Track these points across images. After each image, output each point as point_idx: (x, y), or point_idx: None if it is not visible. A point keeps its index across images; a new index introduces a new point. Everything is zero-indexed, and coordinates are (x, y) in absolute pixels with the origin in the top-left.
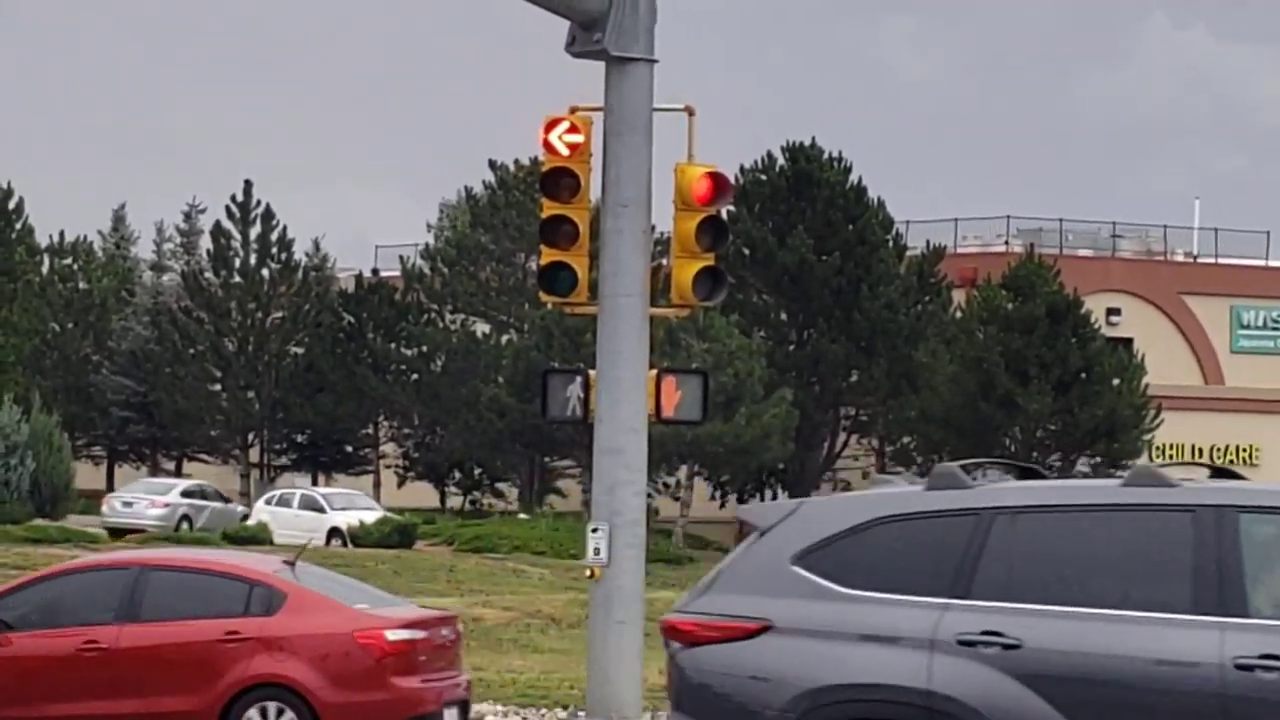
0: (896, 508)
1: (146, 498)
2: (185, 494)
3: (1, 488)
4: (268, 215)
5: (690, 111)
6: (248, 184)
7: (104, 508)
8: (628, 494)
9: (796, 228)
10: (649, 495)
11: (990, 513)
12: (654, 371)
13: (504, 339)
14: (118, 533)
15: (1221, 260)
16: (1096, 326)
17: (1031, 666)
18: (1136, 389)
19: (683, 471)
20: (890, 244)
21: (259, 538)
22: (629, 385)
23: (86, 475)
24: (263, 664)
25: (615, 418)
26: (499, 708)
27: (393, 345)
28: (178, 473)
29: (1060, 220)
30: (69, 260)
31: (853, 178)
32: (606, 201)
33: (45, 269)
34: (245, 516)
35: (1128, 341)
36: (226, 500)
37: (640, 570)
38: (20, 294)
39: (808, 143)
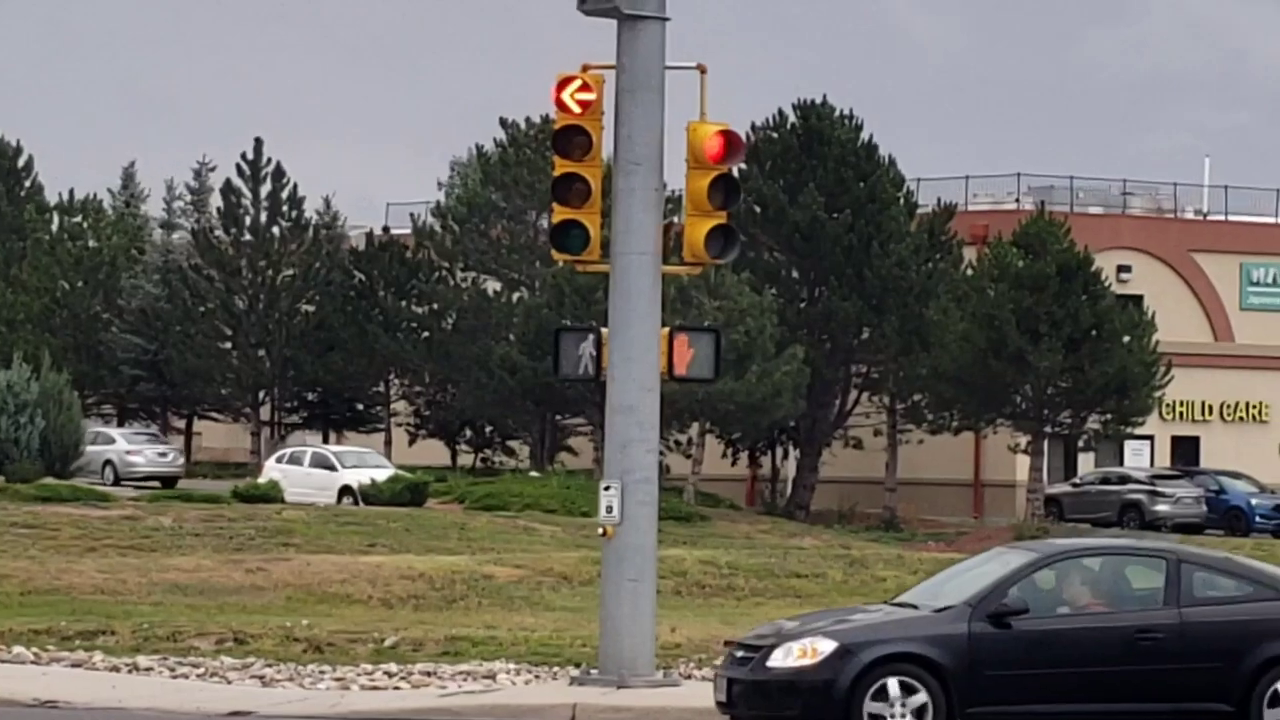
0: None
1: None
2: None
3: (11, 446)
4: (278, 173)
5: (702, 70)
6: (258, 141)
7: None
8: (640, 452)
9: (807, 185)
10: (660, 453)
11: None
12: (666, 329)
13: (515, 297)
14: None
15: (1231, 217)
16: (1107, 284)
17: None
18: (1147, 346)
19: (694, 429)
20: (901, 201)
21: (270, 496)
22: (641, 343)
23: None
24: None
25: (628, 376)
26: (511, 665)
27: (404, 303)
28: (188, 431)
29: (1071, 178)
30: (79, 218)
31: (864, 135)
32: (619, 160)
33: (55, 227)
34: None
35: (1138, 299)
36: None
37: (653, 528)
38: (30, 252)
39: (819, 100)
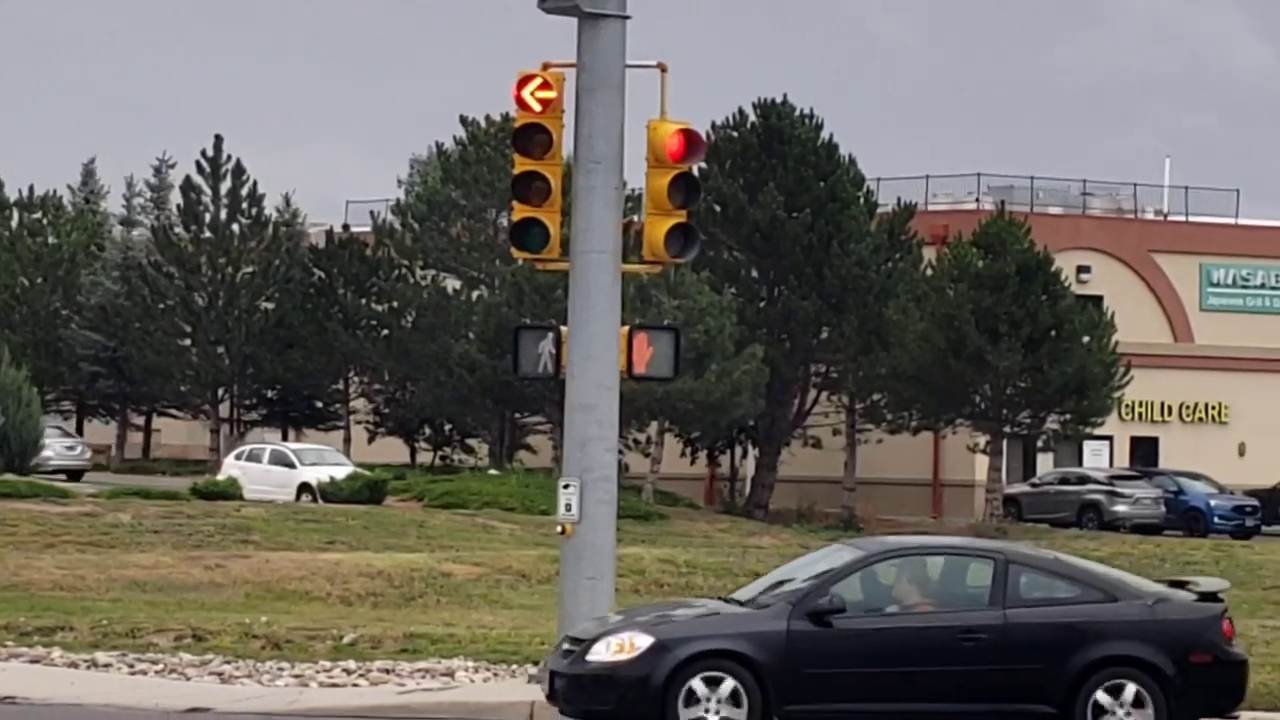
0: None
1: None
2: None
3: None
4: (238, 170)
5: (663, 68)
6: (218, 139)
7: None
8: (599, 450)
9: (767, 185)
10: (619, 451)
11: None
12: (626, 328)
13: (475, 295)
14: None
15: (1191, 218)
16: (1066, 284)
17: None
18: (1106, 346)
19: (653, 428)
20: (861, 201)
21: (229, 493)
22: (601, 342)
23: None
24: None
25: (587, 374)
26: (469, 663)
27: (363, 301)
28: (147, 428)
29: (1031, 178)
30: (38, 215)
31: (824, 135)
32: (579, 158)
33: (14, 223)
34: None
35: (1098, 299)
36: None
37: (611, 526)
38: None
39: (779, 100)
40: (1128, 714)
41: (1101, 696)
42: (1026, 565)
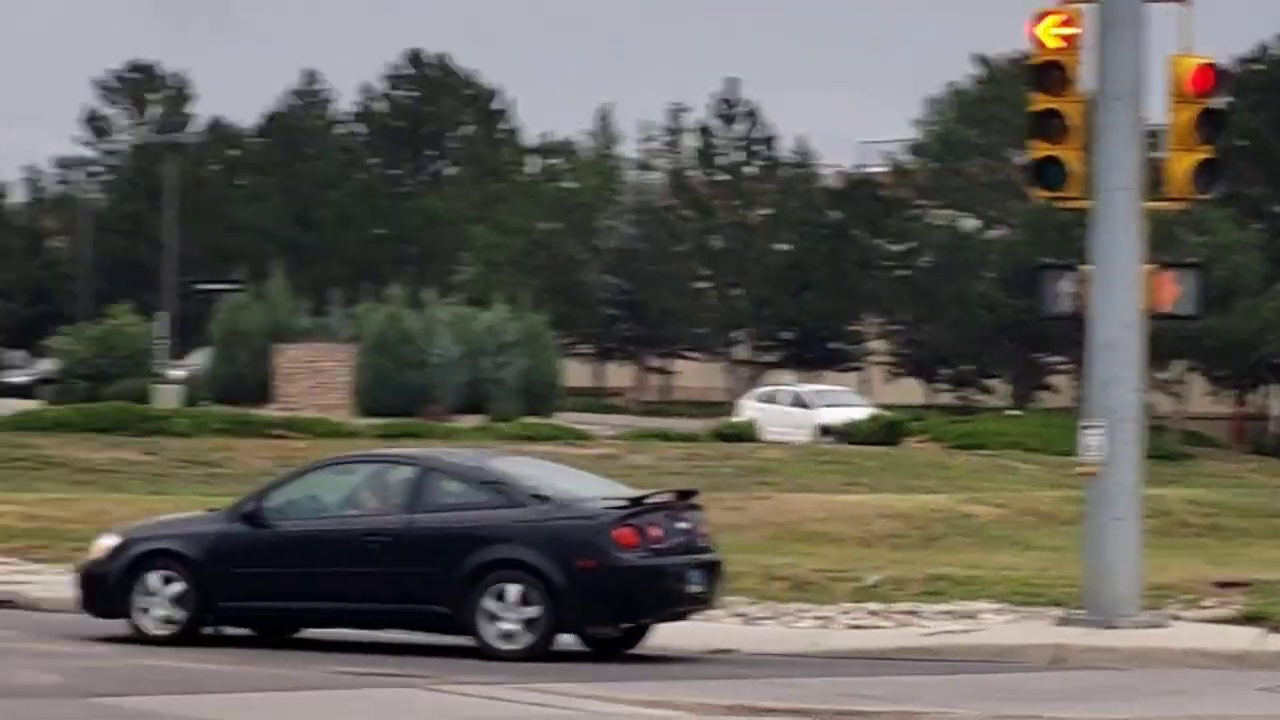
0: None
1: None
2: None
3: (492, 385)
4: (751, 113)
5: (1185, 2)
6: (731, 82)
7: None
8: (1123, 390)
9: None
10: (1144, 391)
11: None
12: (1148, 266)
13: (991, 234)
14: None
15: None
16: None
17: None
18: None
19: (1178, 367)
20: None
21: (745, 435)
22: (1122, 280)
23: (574, 373)
24: None
25: (1109, 313)
26: (993, 605)
27: (878, 241)
28: (665, 371)
29: None
30: (556, 160)
31: None
32: (1098, 95)
33: (533, 168)
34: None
35: None
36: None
37: (1136, 467)
38: (509, 194)
39: None
40: (516, 617)
41: (491, 598)
42: (442, 472)
